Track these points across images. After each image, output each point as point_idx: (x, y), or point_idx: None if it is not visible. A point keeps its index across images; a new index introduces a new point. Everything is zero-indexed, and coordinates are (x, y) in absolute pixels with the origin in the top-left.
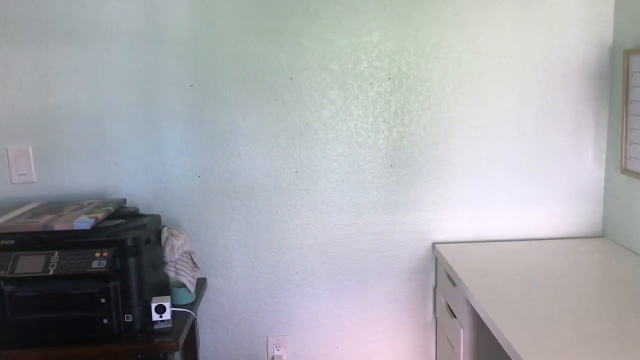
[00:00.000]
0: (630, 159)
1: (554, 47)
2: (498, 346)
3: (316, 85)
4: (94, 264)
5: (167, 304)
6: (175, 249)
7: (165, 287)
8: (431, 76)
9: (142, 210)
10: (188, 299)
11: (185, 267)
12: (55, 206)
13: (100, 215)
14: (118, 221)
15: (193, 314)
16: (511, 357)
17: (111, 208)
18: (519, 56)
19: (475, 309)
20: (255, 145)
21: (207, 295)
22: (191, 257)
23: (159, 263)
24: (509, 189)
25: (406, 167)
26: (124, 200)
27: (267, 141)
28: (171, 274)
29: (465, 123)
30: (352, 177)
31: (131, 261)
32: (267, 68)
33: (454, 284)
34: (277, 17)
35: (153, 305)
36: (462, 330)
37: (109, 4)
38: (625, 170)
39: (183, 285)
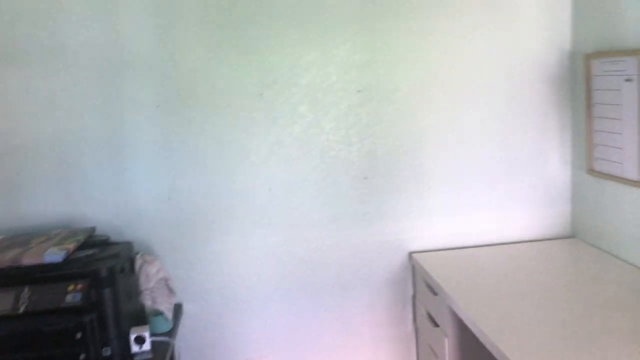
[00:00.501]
0: (596, 160)
1: (517, 55)
2: (483, 353)
3: (286, 101)
4: (68, 298)
5: (147, 334)
6: (150, 276)
7: (141, 316)
8: (400, 87)
9: (112, 238)
10: (166, 326)
11: (162, 294)
12: (20, 239)
13: (71, 246)
14: (90, 251)
15: (172, 342)
16: None
17: (81, 238)
18: (484, 64)
19: (460, 316)
20: (227, 163)
21: (184, 320)
22: (167, 284)
23: (134, 292)
24: (481, 195)
25: (380, 178)
26: (94, 229)
27: (238, 159)
28: (147, 302)
29: (435, 132)
30: (327, 190)
31: (106, 292)
32: (235, 85)
33: (435, 293)
34: (244, 34)
35: (132, 337)
36: (446, 339)
37: (69, 28)
38: (591, 171)
39: (160, 313)
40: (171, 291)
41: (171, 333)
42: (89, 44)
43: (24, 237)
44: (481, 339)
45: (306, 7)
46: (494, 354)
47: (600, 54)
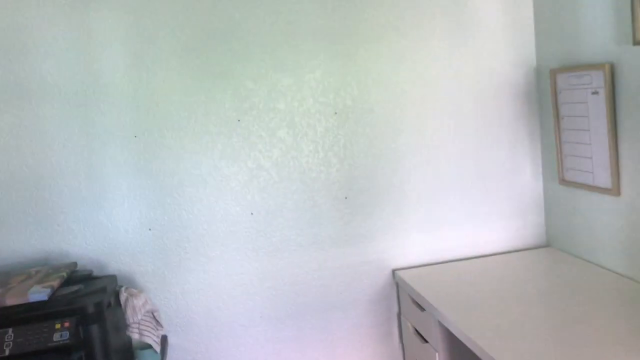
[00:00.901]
0: (567, 170)
1: (485, 72)
2: None
3: (264, 125)
4: (56, 337)
5: None
6: (137, 309)
7: (128, 350)
8: (375, 108)
9: (94, 272)
10: (154, 359)
11: (149, 326)
12: None
13: (55, 283)
14: (75, 287)
15: None
16: None
17: (64, 274)
18: (454, 83)
19: (451, 330)
20: (206, 191)
21: (170, 352)
22: (153, 316)
23: (121, 326)
24: (457, 209)
25: (359, 197)
26: (75, 264)
27: (218, 186)
28: (135, 335)
29: (410, 150)
30: (308, 212)
31: (94, 329)
32: (212, 112)
33: (422, 309)
34: (219, 61)
35: None
36: (437, 354)
37: (42, 60)
38: (563, 181)
39: (148, 346)
40: (158, 323)
41: None
42: (63, 75)
43: (2, 276)
44: (474, 350)
45: (280, 34)
46: None
47: (565, 68)
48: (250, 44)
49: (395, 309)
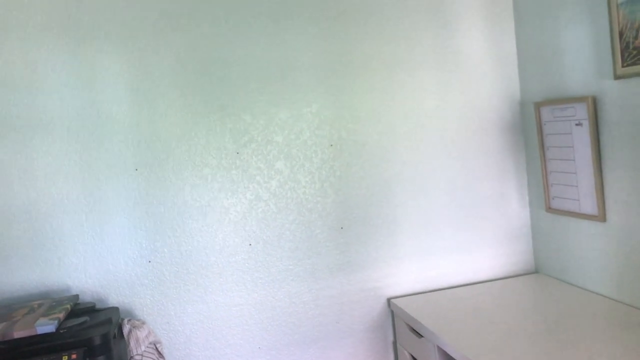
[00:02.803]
0: (553, 199)
1: (472, 105)
2: None
3: (263, 158)
4: None
5: None
6: (140, 341)
7: None
8: (368, 140)
9: (96, 305)
10: None
11: (152, 358)
12: (1, 312)
13: (61, 315)
14: (81, 319)
15: None
16: None
17: (67, 306)
18: (442, 116)
19: (451, 354)
20: (206, 222)
21: None
22: (156, 348)
23: (124, 358)
24: (449, 238)
25: (355, 227)
26: (77, 297)
27: (217, 217)
28: None
29: (402, 181)
30: (306, 243)
31: None
32: (212, 144)
33: (420, 335)
34: (219, 95)
35: None
36: None
37: (43, 95)
38: (550, 209)
39: None
40: (161, 355)
41: None
42: (65, 109)
43: (4, 310)
44: None
45: (277, 69)
46: None
47: (549, 101)
48: (248, 79)
49: (391, 338)
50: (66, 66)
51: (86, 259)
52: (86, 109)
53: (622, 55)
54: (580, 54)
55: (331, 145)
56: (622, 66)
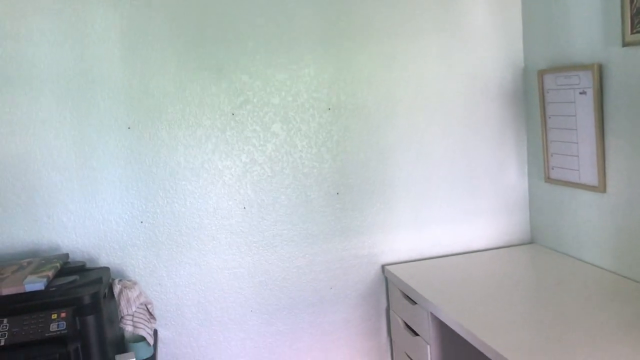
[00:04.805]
0: (553, 169)
1: (474, 72)
2: (465, 358)
3: (259, 120)
4: (53, 327)
5: None
6: (131, 301)
7: (121, 343)
8: (367, 104)
9: (87, 264)
10: (147, 353)
11: (143, 319)
12: None
13: (50, 273)
14: (71, 278)
15: None
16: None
17: (57, 265)
18: (443, 82)
19: (445, 321)
20: (199, 184)
21: (160, 346)
22: (147, 309)
23: (115, 318)
24: (446, 206)
25: (351, 193)
26: (67, 255)
27: (211, 180)
28: (129, 328)
29: (401, 147)
30: (301, 208)
31: (91, 320)
32: (207, 105)
33: (414, 302)
34: (214, 54)
35: None
36: (428, 347)
37: (34, 50)
38: (549, 179)
39: (141, 339)
40: (152, 316)
41: (153, 359)
42: (56, 65)
43: None
44: (469, 339)
45: (275, 28)
46: (485, 352)
47: (553, 69)
48: (245, 37)
49: (384, 304)
50: (55, 19)
51: (76, 217)
52: (78, 64)
53: (632, 21)
54: (588, 19)
55: (329, 109)
56: (631, 32)
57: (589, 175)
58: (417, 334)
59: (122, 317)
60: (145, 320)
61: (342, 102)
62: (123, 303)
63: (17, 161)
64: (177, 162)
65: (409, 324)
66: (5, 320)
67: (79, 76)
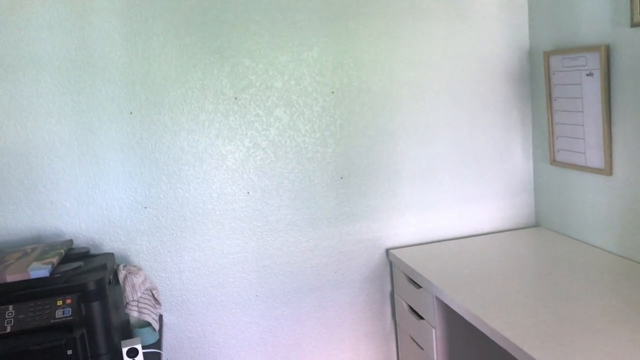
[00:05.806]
0: (558, 151)
1: (479, 54)
2: (469, 341)
3: (261, 104)
4: (58, 314)
5: (139, 346)
6: (136, 287)
7: (126, 329)
8: (372, 87)
9: (90, 250)
10: (152, 338)
11: (148, 304)
12: None
13: (54, 260)
14: (76, 264)
15: (163, 353)
16: (500, 344)
17: (62, 251)
18: (450, 63)
19: (450, 305)
20: (203, 169)
21: (165, 331)
22: (152, 294)
23: (120, 304)
24: (451, 189)
25: (355, 177)
26: (71, 242)
27: (214, 165)
28: (134, 313)
29: (406, 130)
30: (304, 192)
31: (96, 306)
32: (209, 89)
33: (418, 286)
34: (216, 37)
35: (124, 350)
36: (433, 330)
37: (35, 34)
38: (554, 162)
39: (146, 324)
40: (157, 301)
41: (159, 344)
42: (57, 50)
43: None
44: (474, 322)
45: (277, 11)
46: (490, 335)
47: (559, 50)
48: (248, 20)
49: (389, 288)
50: (55, 3)
51: (80, 203)
52: (79, 48)
53: None
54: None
55: (332, 93)
56: None
57: (595, 158)
58: (421, 318)
59: (127, 303)
60: (151, 306)
61: (345, 85)
62: (128, 289)
63: (19, 148)
64: (180, 147)
65: (413, 307)
66: (10, 307)
67: (80, 61)
